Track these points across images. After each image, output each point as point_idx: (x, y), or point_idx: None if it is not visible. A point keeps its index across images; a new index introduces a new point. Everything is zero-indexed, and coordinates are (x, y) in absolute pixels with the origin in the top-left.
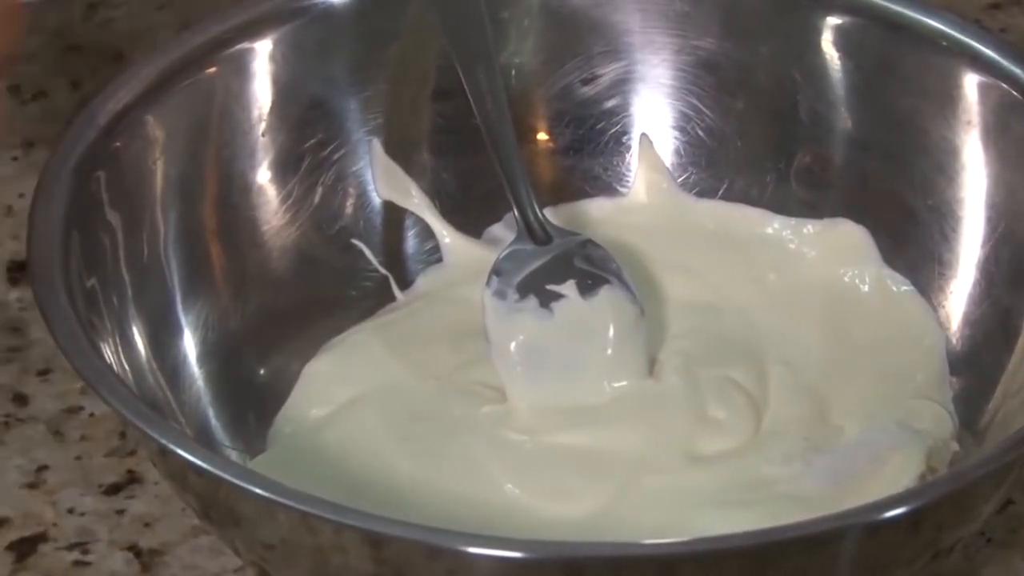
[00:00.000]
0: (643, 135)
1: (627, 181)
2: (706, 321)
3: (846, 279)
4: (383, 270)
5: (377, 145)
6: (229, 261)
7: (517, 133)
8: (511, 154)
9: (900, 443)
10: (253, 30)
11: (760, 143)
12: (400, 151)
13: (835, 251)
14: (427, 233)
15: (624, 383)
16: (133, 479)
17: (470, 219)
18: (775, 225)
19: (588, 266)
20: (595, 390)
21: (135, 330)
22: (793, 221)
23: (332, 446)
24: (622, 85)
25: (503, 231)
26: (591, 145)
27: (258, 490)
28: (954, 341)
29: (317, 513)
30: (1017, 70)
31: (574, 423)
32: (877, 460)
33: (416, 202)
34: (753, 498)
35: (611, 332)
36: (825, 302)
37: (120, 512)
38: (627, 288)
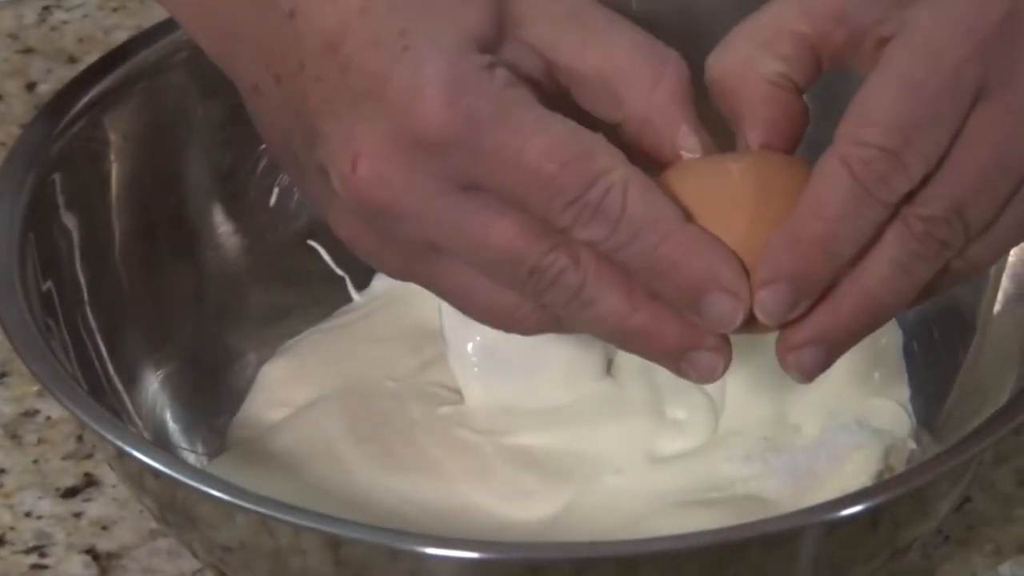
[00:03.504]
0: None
1: None
2: None
3: None
4: (340, 271)
5: None
6: (185, 263)
7: None
8: None
9: (858, 442)
10: None
11: (718, 144)
12: None
13: None
14: None
15: (582, 384)
16: (91, 482)
17: None
18: None
19: None
20: (553, 391)
21: (91, 333)
22: None
23: (290, 448)
24: None
25: None
26: None
27: (216, 493)
28: (911, 340)
29: (276, 515)
30: None
31: (532, 424)
32: (836, 459)
33: None
34: (713, 497)
35: None
36: None
37: (78, 515)
38: None
